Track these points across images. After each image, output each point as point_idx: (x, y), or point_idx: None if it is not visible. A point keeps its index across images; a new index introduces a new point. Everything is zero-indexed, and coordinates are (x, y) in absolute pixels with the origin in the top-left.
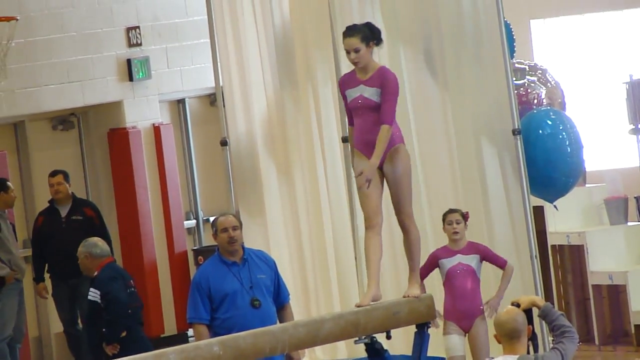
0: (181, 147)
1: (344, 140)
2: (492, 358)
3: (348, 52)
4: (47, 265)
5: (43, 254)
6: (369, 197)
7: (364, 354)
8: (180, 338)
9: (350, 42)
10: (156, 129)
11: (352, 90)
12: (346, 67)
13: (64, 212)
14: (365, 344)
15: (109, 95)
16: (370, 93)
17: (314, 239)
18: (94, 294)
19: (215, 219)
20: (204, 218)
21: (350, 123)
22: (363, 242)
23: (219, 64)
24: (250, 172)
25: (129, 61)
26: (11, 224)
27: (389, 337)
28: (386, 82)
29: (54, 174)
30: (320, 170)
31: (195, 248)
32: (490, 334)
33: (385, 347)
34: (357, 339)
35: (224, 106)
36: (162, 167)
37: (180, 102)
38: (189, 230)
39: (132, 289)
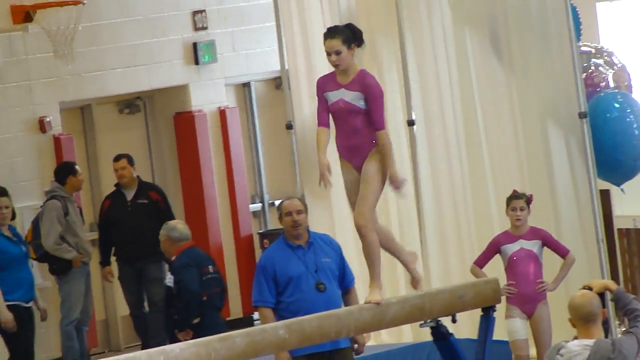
0: (247, 130)
1: (410, 124)
2: (567, 341)
3: (329, 54)
4: (113, 248)
5: (109, 238)
6: (354, 199)
7: (430, 338)
8: (245, 321)
9: (331, 44)
10: (222, 113)
11: (332, 93)
12: (412, 52)
13: (129, 195)
14: (431, 328)
15: (175, 78)
16: (351, 97)
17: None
18: (169, 280)
19: (280, 202)
20: (270, 201)
21: (323, 124)
22: (427, 225)
23: (284, 47)
24: (315, 156)
25: (194, 45)
26: (78, 208)
27: (454, 320)
28: (368, 88)
29: (117, 158)
30: None
31: (260, 231)
32: (555, 318)
33: (450, 330)
34: (422, 322)
35: (289, 89)
36: (228, 151)
37: (246, 85)
38: (254, 213)
39: (210, 275)
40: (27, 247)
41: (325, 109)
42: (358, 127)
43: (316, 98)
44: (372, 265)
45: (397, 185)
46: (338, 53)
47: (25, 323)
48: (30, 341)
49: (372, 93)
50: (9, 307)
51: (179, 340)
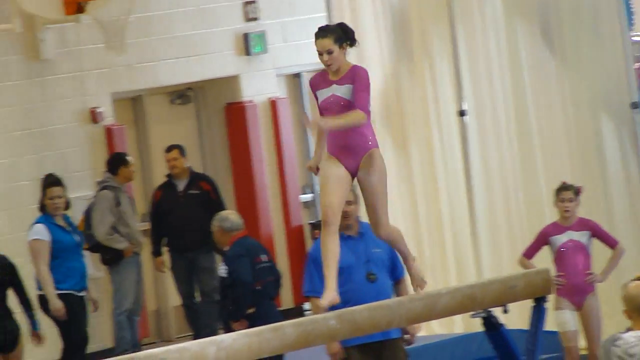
0: (297, 121)
1: (460, 114)
2: (622, 332)
3: (320, 54)
4: (165, 239)
5: (161, 228)
6: (332, 194)
7: (481, 328)
8: (296, 311)
9: (322, 43)
10: (272, 103)
11: (324, 90)
12: (463, 42)
13: (181, 186)
14: (482, 318)
15: (226, 69)
16: (342, 91)
17: (430, 213)
18: (223, 270)
19: None
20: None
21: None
22: (478, 216)
23: None
24: None
25: (245, 35)
26: (130, 198)
27: (505, 311)
28: (357, 77)
29: (169, 149)
30: (437, 144)
31: (311, 222)
32: (605, 310)
33: (501, 321)
34: (473, 313)
35: None
36: (279, 141)
37: (297, 76)
38: (305, 204)
39: (264, 264)
40: (81, 237)
41: (319, 107)
42: None
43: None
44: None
45: (315, 125)
46: (330, 52)
47: (77, 312)
48: (83, 330)
49: (360, 80)
50: (61, 296)
51: (234, 331)
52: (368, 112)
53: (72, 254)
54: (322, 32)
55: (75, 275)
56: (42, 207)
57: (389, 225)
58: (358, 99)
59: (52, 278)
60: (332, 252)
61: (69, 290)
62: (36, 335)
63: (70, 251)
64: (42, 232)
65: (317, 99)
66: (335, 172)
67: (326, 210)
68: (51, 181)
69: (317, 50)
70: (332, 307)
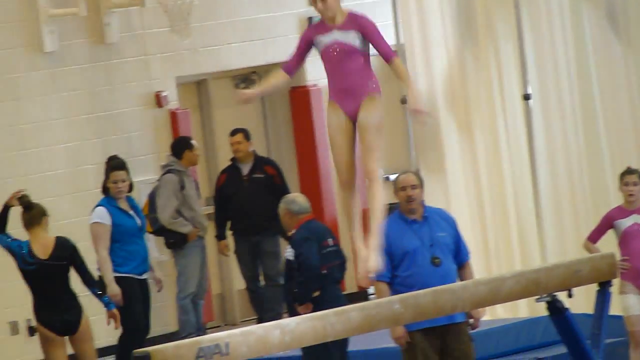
0: None
1: (525, 98)
2: None
3: (314, 2)
4: (229, 222)
5: (225, 212)
6: (339, 152)
7: (545, 313)
8: (360, 296)
9: None
10: None
11: (325, 36)
12: (528, 26)
13: (245, 170)
14: (547, 302)
15: (290, 53)
16: (347, 38)
17: (495, 196)
18: (290, 253)
19: (397, 176)
20: (385, 176)
21: (286, 68)
22: (543, 200)
23: (399, 21)
24: (430, 130)
25: (309, 19)
26: (194, 182)
27: (570, 295)
28: (364, 24)
29: (234, 132)
30: (501, 128)
31: None
32: None
33: (566, 305)
34: (538, 297)
35: (404, 63)
36: None
37: None
38: None
39: (330, 248)
40: (143, 220)
41: (298, 56)
42: (354, 68)
43: (431, 72)
44: (375, 217)
45: (418, 111)
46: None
47: (135, 296)
48: (138, 314)
49: (369, 27)
50: (120, 279)
51: (299, 314)
52: (395, 54)
53: (133, 238)
54: None
55: (136, 259)
56: (105, 190)
57: (377, 172)
58: (383, 49)
59: (111, 262)
60: (355, 213)
61: (129, 274)
62: (112, 315)
63: (131, 234)
64: (103, 216)
65: (304, 48)
66: (337, 122)
67: (341, 169)
68: (115, 164)
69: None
70: (395, 292)
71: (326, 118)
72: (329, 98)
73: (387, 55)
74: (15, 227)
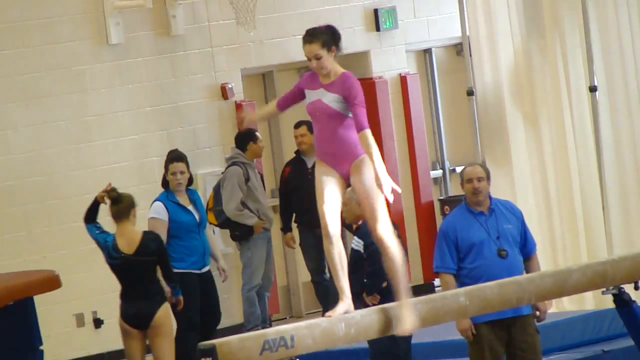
0: (427, 97)
1: (592, 89)
2: None
3: (309, 60)
4: (294, 215)
5: (290, 204)
6: (325, 202)
7: (612, 305)
8: (426, 288)
9: (310, 49)
10: (403, 79)
11: (312, 92)
12: (594, 17)
13: (309, 162)
14: (613, 295)
15: (356, 45)
16: (329, 99)
17: (561, 189)
18: (357, 244)
19: (463, 168)
20: (450, 168)
21: (279, 103)
22: (610, 192)
23: (465, 13)
24: (496, 122)
25: (375, 11)
26: (260, 174)
27: (637, 287)
28: (349, 90)
29: (298, 125)
30: (568, 120)
31: (441, 198)
32: None
33: (633, 298)
34: (604, 289)
35: (470, 56)
36: (409, 117)
37: (427, 51)
38: (435, 180)
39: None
40: (203, 215)
41: (291, 98)
42: (337, 132)
43: (497, 65)
44: (398, 279)
45: (385, 190)
46: (318, 58)
47: (193, 293)
48: (194, 311)
49: (352, 93)
50: (179, 275)
51: (366, 305)
52: (367, 123)
53: (191, 233)
54: (309, 37)
55: (194, 254)
56: (165, 183)
57: (389, 229)
58: (357, 119)
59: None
60: (338, 262)
61: (187, 270)
62: (177, 301)
63: (189, 230)
64: (160, 211)
65: (298, 91)
66: (326, 177)
67: (322, 220)
68: (174, 156)
69: (305, 55)
70: (461, 284)
71: (316, 173)
72: (317, 157)
73: (357, 125)
74: (106, 217)
